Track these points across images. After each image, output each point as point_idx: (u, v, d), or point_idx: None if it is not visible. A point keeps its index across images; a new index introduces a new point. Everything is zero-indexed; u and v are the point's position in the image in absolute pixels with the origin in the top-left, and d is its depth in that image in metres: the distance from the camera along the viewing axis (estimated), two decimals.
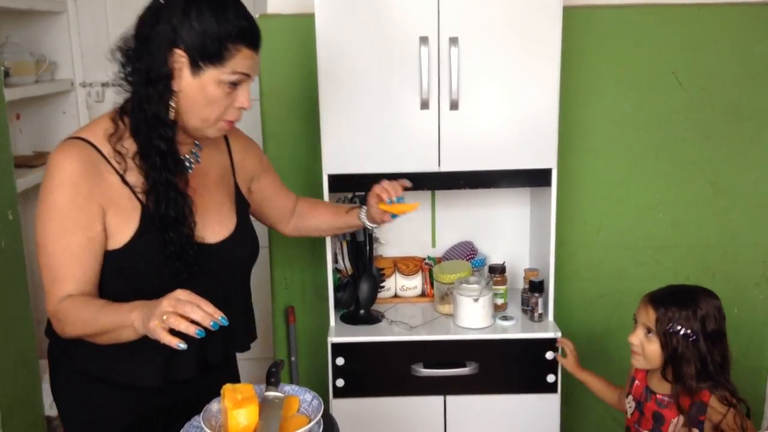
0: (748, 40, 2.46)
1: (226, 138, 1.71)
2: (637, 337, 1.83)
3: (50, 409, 2.65)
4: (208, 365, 1.60)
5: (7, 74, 2.62)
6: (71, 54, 3.06)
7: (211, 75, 1.44)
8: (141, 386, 1.55)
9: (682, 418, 1.80)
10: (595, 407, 2.72)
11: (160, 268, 1.48)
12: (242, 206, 1.71)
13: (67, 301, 1.41)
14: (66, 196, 1.41)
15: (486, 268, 2.51)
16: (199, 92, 1.45)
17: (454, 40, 2.11)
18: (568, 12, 2.23)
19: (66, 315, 1.41)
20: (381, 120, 2.18)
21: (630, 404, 1.93)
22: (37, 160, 2.87)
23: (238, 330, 1.66)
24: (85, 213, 1.43)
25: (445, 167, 2.22)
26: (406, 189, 1.89)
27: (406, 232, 2.60)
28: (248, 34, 1.46)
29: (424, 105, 2.16)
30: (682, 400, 1.78)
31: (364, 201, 1.93)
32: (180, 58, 1.43)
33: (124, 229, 1.47)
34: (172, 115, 1.46)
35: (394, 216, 1.84)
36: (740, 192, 2.58)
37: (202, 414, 1.35)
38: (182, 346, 1.22)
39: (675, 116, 2.52)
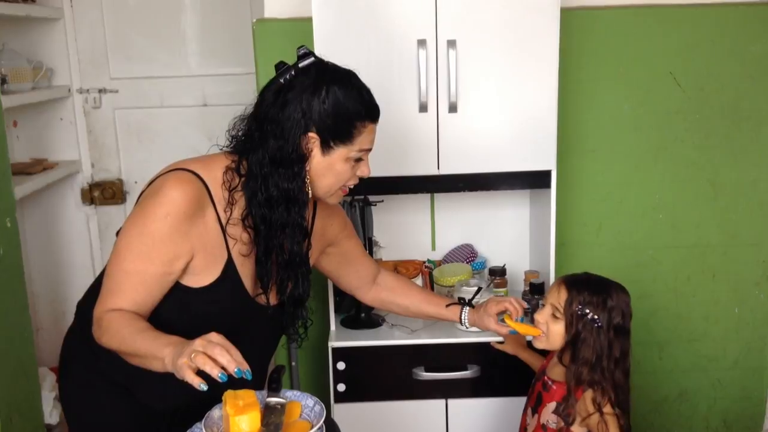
0: (745, 39, 2.46)
1: (315, 209, 1.72)
2: (543, 316, 1.80)
3: (50, 417, 2.64)
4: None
5: (4, 81, 2.62)
6: (68, 60, 3.05)
7: (340, 153, 1.51)
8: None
9: (554, 405, 1.80)
10: None
11: (225, 319, 1.50)
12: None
13: (115, 313, 1.42)
14: (165, 229, 1.42)
15: (486, 271, 2.51)
16: (327, 169, 1.52)
17: (452, 43, 2.11)
18: (566, 14, 2.24)
19: (109, 325, 1.41)
20: (380, 123, 2.17)
21: (533, 381, 1.95)
22: (35, 167, 2.86)
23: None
24: (174, 250, 1.43)
25: (444, 170, 2.21)
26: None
27: (406, 235, 2.60)
28: (374, 110, 1.55)
29: (423, 108, 2.15)
30: (572, 386, 1.76)
31: (464, 302, 1.95)
32: (312, 140, 1.49)
33: (207, 273, 1.49)
34: (310, 194, 1.52)
35: (513, 332, 1.85)
36: (740, 191, 2.57)
37: (203, 421, 1.34)
38: (204, 387, 1.22)
39: (673, 116, 2.51)
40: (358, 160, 1.54)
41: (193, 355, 1.23)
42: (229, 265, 1.51)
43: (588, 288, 1.77)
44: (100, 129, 3.13)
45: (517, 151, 2.21)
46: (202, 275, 1.49)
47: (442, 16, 2.11)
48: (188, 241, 1.44)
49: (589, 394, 1.74)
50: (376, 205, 2.43)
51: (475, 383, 2.25)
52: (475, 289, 2.25)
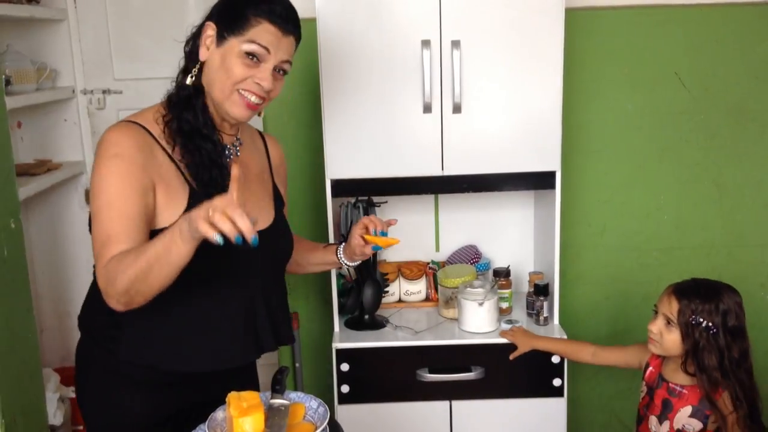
0: (751, 39, 2.46)
1: (264, 143, 1.77)
2: (657, 326, 1.86)
3: (54, 418, 2.64)
4: (261, 352, 1.61)
5: (8, 82, 2.62)
6: (72, 61, 3.05)
7: (232, 44, 1.50)
8: (189, 374, 1.55)
9: (690, 409, 1.84)
10: (602, 411, 2.71)
11: (204, 251, 1.45)
12: (279, 203, 1.74)
13: (116, 257, 1.39)
14: (123, 166, 1.43)
15: (490, 272, 2.50)
16: (220, 62, 1.51)
17: (456, 44, 2.11)
18: (570, 14, 2.23)
19: (116, 266, 1.37)
20: (384, 124, 2.17)
21: (642, 389, 1.98)
22: (39, 167, 2.86)
23: (283, 322, 1.67)
24: (140, 182, 1.44)
25: (449, 171, 2.21)
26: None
27: (410, 236, 2.59)
28: (274, 13, 1.50)
29: (427, 109, 2.15)
30: (710, 391, 1.80)
31: (343, 240, 1.94)
32: (209, 31, 1.52)
33: (172, 206, 1.48)
34: (189, 80, 1.53)
35: (375, 248, 1.84)
36: (745, 192, 2.56)
37: (207, 422, 1.34)
38: (219, 239, 1.20)
39: (678, 117, 2.51)
40: (254, 59, 1.49)
41: (211, 212, 1.21)
42: (193, 194, 1.50)
43: (698, 295, 1.81)
44: (104, 130, 3.13)
45: (521, 152, 2.20)
46: (170, 210, 1.48)
47: (446, 16, 2.11)
48: (147, 173, 1.45)
49: (726, 395, 1.79)
50: (380, 205, 2.43)
51: (480, 385, 2.25)
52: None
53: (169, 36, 3.08)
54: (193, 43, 1.56)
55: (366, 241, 1.81)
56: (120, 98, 3.12)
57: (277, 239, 1.67)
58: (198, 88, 1.54)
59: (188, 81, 1.53)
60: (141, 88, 3.12)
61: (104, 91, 3.11)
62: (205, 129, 1.54)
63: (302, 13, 2.35)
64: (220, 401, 1.39)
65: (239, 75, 1.50)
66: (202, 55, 1.52)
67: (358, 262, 1.93)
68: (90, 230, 1.53)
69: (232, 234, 1.19)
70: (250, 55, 1.49)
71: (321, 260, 1.95)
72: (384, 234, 1.82)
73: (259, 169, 1.71)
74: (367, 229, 1.81)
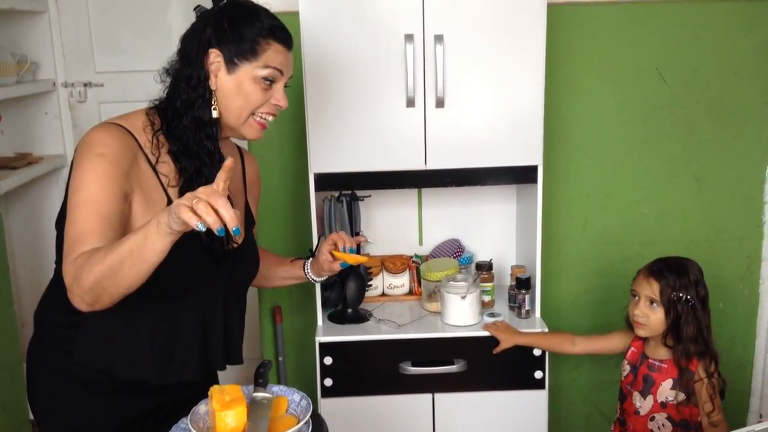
0: (730, 35, 2.48)
1: (242, 159, 1.75)
2: (641, 309, 1.97)
3: None
4: (208, 370, 1.60)
5: None
6: (53, 54, 3.03)
7: (245, 70, 1.49)
8: (138, 382, 1.53)
9: (671, 382, 1.96)
10: (583, 403, 2.73)
11: (170, 268, 1.45)
12: (249, 223, 1.72)
13: (86, 252, 1.33)
14: (107, 166, 1.40)
15: (473, 266, 2.51)
16: (235, 89, 1.50)
17: (439, 38, 2.11)
18: (552, 9, 2.24)
19: (84, 262, 1.30)
20: (367, 118, 2.18)
21: (625, 368, 2.09)
22: (19, 161, 2.84)
23: (237, 342, 1.65)
24: (120, 187, 1.41)
25: (432, 165, 2.21)
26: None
27: (393, 230, 2.60)
28: (279, 30, 1.52)
29: (410, 103, 2.15)
30: (683, 363, 1.93)
31: (310, 256, 1.95)
32: (216, 58, 1.48)
33: (148, 217, 1.43)
34: (215, 114, 1.51)
35: (344, 265, 1.86)
36: (724, 187, 2.59)
37: (189, 416, 1.34)
38: (201, 227, 1.15)
39: (659, 112, 2.53)
40: (270, 83, 1.51)
41: (194, 201, 1.16)
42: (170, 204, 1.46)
43: (672, 272, 1.96)
44: (85, 123, 3.11)
45: (503, 147, 2.21)
46: (145, 221, 1.40)
47: (430, 10, 2.11)
48: (128, 179, 1.43)
49: (701, 365, 1.93)
50: (363, 200, 2.43)
51: (462, 377, 2.26)
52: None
53: (151, 28, 3.08)
54: (189, 68, 1.50)
55: (334, 258, 1.83)
56: (101, 91, 3.10)
57: (244, 261, 1.65)
58: (216, 119, 1.51)
59: (214, 115, 1.50)
60: (123, 81, 3.10)
61: (85, 84, 3.09)
62: (218, 156, 1.52)
63: (286, 6, 2.36)
64: (176, 410, 1.39)
65: (258, 101, 1.52)
66: (213, 84, 1.50)
67: (324, 278, 1.97)
68: (56, 224, 1.51)
69: (215, 225, 1.15)
70: (266, 79, 1.51)
71: (288, 274, 1.96)
72: (353, 251, 1.84)
73: (234, 187, 1.68)
74: (336, 245, 1.84)
